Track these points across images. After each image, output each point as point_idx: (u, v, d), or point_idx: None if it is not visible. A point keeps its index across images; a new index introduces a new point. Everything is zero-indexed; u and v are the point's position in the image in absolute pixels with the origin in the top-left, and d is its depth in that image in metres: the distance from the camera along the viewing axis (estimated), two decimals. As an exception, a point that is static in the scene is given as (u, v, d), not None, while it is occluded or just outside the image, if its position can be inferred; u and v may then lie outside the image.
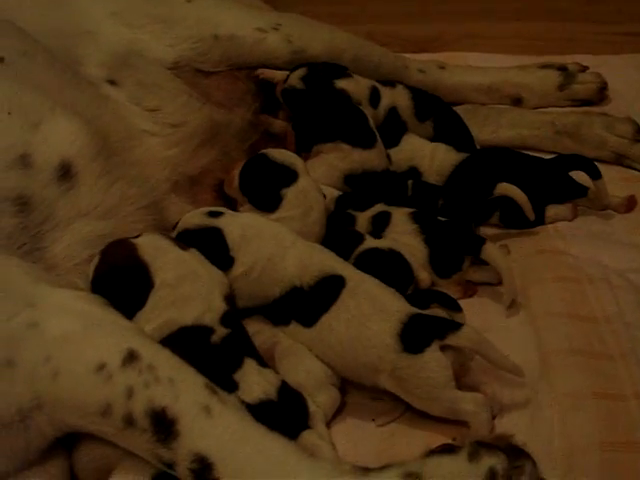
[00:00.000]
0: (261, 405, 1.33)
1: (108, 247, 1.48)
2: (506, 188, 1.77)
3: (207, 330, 1.40)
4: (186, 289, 1.43)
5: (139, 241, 1.47)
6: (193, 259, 1.47)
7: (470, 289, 1.69)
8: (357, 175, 1.82)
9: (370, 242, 1.67)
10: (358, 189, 1.82)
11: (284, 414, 1.35)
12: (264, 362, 1.43)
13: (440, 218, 1.72)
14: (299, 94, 1.96)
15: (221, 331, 1.41)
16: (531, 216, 1.77)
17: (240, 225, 1.56)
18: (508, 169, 1.86)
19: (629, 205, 1.88)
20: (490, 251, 1.65)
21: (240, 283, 1.52)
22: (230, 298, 1.47)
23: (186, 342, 1.36)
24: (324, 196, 1.71)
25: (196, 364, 1.28)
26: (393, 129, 1.98)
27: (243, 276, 1.52)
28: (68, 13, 1.85)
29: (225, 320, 1.43)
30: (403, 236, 1.70)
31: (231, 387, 1.34)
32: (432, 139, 2.00)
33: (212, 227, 1.55)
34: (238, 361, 1.38)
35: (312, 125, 1.87)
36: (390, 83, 2.04)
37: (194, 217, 1.58)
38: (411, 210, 1.74)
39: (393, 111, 2.00)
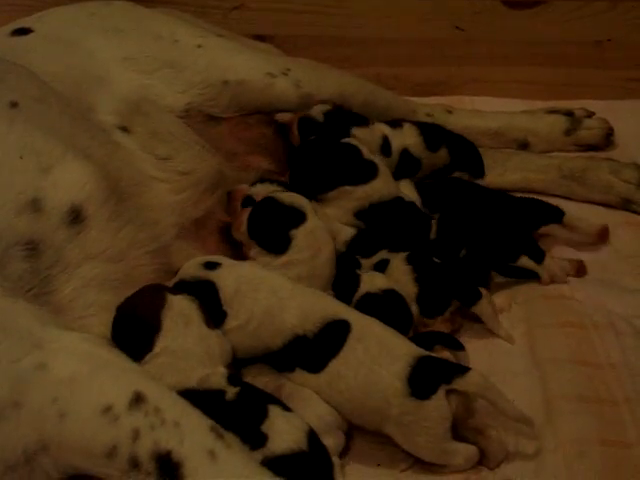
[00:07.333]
0: (293, 456, 1.32)
1: (147, 287, 1.51)
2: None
3: (218, 392, 1.38)
4: (187, 362, 1.42)
5: (173, 301, 1.47)
6: (214, 337, 1.47)
7: (456, 321, 1.69)
8: (366, 210, 1.82)
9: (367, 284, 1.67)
10: (371, 223, 1.82)
11: (314, 466, 1.34)
12: (287, 407, 1.41)
13: (435, 259, 1.73)
14: (315, 126, 1.96)
15: (232, 389, 1.39)
16: None
17: (235, 278, 1.55)
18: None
19: (602, 234, 1.91)
20: (484, 307, 1.67)
21: (236, 335, 1.51)
22: (230, 365, 1.46)
23: (197, 402, 1.31)
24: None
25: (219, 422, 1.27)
26: (407, 172, 1.99)
27: (239, 329, 1.51)
28: (80, 59, 1.85)
29: (231, 380, 1.41)
30: (397, 276, 1.70)
31: (261, 440, 1.32)
32: (449, 165, 2.04)
33: (206, 280, 1.54)
34: (263, 411, 1.36)
35: (310, 177, 1.85)
36: (397, 123, 2.04)
37: (191, 268, 1.58)
38: (407, 253, 1.73)
39: (405, 153, 2.00)
